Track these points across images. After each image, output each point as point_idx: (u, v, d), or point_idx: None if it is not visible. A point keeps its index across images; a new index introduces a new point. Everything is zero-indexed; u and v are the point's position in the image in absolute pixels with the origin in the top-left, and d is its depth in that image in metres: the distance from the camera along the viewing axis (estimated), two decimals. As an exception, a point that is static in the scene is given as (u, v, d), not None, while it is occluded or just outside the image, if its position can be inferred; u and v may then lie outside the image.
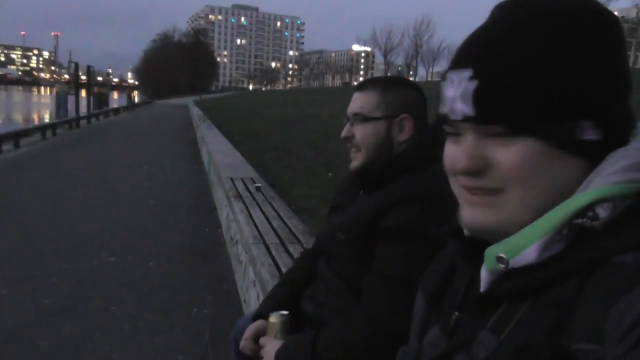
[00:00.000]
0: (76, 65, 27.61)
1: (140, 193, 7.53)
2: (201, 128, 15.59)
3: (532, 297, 0.58)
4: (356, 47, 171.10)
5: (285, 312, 1.45)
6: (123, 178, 8.75)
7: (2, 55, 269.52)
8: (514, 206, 0.61)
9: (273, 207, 4.48)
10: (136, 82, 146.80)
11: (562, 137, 0.58)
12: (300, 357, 1.31)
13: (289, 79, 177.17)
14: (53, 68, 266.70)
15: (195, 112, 27.98)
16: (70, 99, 23.73)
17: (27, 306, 3.48)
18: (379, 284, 1.27)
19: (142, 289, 3.89)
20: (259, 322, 1.53)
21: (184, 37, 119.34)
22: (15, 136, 13.02)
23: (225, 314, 3.47)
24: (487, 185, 0.62)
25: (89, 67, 30.70)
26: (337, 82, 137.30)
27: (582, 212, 0.56)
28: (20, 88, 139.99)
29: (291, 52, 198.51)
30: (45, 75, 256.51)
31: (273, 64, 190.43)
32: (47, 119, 29.02)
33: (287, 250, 3.17)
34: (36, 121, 29.01)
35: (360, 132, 1.40)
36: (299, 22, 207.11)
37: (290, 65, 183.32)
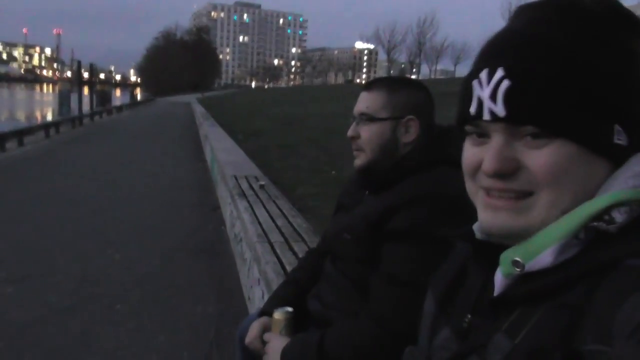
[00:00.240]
0: (79, 63, 27.68)
1: (144, 191, 7.55)
2: (204, 126, 15.60)
3: (547, 301, 0.58)
4: (359, 45, 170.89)
5: (289, 309, 1.46)
6: (127, 176, 8.77)
7: (4, 52, 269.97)
8: (541, 209, 0.60)
9: (277, 205, 4.48)
10: (139, 80, 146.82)
11: (598, 139, 0.58)
12: (307, 356, 1.32)
13: (292, 76, 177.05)
14: (55, 66, 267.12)
15: (198, 109, 27.98)
16: (73, 97, 23.79)
17: (33, 304, 3.50)
18: (387, 285, 1.27)
19: (147, 286, 3.91)
20: (264, 319, 1.54)
21: (187, 35, 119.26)
22: (19, 134, 13.06)
23: (230, 312, 3.48)
24: (516, 188, 0.61)
25: (91, 64, 30.76)
26: (340, 79, 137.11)
27: (599, 215, 0.56)
28: (22, 85, 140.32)
29: (294, 50, 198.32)
30: (48, 73, 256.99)
31: (275, 62, 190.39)
32: (50, 117, 29.06)
33: (291, 249, 3.18)
34: (39, 119, 29.07)
35: (366, 132, 1.40)
36: (301, 19, 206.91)
37: (292, 63, 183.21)
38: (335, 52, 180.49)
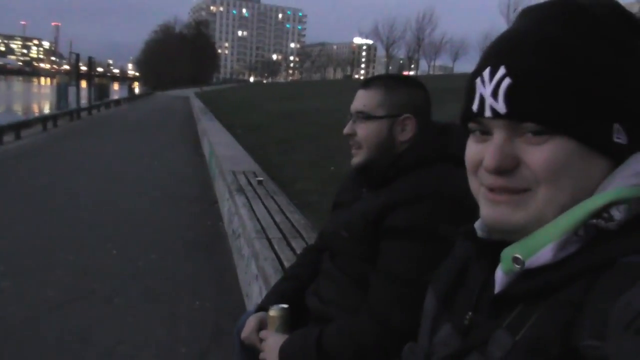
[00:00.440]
0: (77, 56, 27.59)
1: (142, 185, 7.55)
2: (202, 120, 15.58)
3: (547, 297, 0.59)
4: (358, 40, 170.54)
5: (285, 306, 1.46)
6: (125, 170, 8.76)
7: (2, 45, 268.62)
8: (540, 205, 0.61)
9: (275, 201, 4.49)
10: (137, 74, 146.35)
11: (598, 137, 0.59)
12: (305, 353, 1.32)
13: (290, 71, 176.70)
14: (53, 58, 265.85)
15: (196, 104, 27.93)
16: (71, 90, 23.69)
17: (31, 298, 3.50)
18: (386, 282, 1.28)
19: (145, 281, 3.92)
20: (261, 314, 1.54)
21: (185, 29, 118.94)
22: (16, 127, 13.03)
23: (228, 307, 3.49)
24: (516, 184, 0.63)
25: (89, 58, 30.68)
26: (339, 74, 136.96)
27: (598, 213, 0.57)
28: (20, 78, 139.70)
29: (293, 45, 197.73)
30: (46, 65, 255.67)
31: (274, 56, 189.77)
32: (47, 110, 28.98)
33: (289, 245, 3.19)
34: (37, 112, 28.99)
35: (363, 130, 1.41)
36: (300, 14, 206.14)
37: (291, 58, 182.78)
38: (334, 47, 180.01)
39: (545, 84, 0.59)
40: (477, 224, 0.74)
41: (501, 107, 0.61)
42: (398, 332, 1.19)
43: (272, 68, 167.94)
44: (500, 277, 0.66)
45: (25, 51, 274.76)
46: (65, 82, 24.72)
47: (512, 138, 0.62)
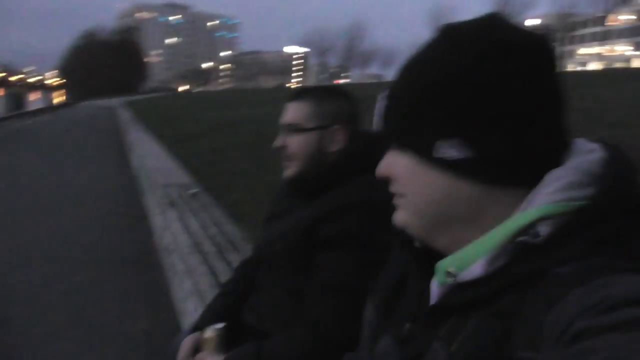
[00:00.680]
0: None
1: (65, 201, 7.14)
2: (130, 131, 15.06)
3: (480, 308, 0.61)
4: (290, 49, 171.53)
5: (220, 326, 1.42)
6: (45, 186, 8.27)
7: None
8: (409, 209, 0.71)
9: (209, 213, 4.39)
10: (59, 82, 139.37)
11: (426, 152, 0.66)
12: None
13: (223, 80, 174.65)
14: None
15: (124, 114, 26.96)
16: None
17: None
18: (322, 294, 1.28)
19: (70, 304, 3.68)
20: (196, 335, 1.49)
21: (111, 36, 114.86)
22: None
23: (162, 327, 3.35)
24: (394, 190, 0.73)
25: (5, 65, 28.81)
26: (272, 83, 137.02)
27: (524, 229, 0.59)
28: None
29: (225, 53, 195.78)
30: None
31: (206, 65, 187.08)
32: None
33: (225, 259, 3.12)
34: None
35: (294, 143, 1.41)
36: (232, 22, 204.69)
37: (224, 66, 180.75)
38: (267, 55, 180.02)
39: (394, 105, 0.69)
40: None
41: (379, 126, 0.72)
42: (336, 343, 1.19)
43: (204, 76, 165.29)
44: (435, 288, 0.68)
45: None
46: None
47: (393, 151, 0.72)
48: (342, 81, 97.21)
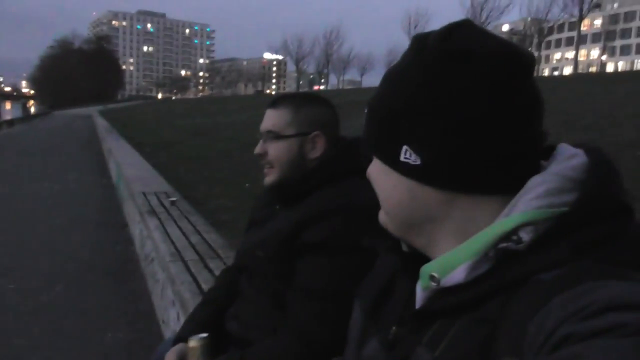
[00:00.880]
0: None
1: (42, 211, 7.01)
2: (108, 140, 14.84)
3: (464, 314, 0.61)
4: (268, 55, 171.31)
5: (204, 335, 1.40)
6: (21, 196, 8.11)
7: None
8: (384, 210, 0.73)
9: (190, 221, 4.35)
10: (32, 92, 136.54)
11: (391, 158, 0.68)
12: None
13: (201, 87, 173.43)
14: None
15: (101, 122, 26.58)
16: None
17: None
18: (304, 299, 1.28)
19: (49, 316, 3.61)
20: (180, 346, 1.47)
21: (85, 44, 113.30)
22: None
23: (143, 337, 3.31)
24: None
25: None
26: (250, 90, 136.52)
27: (507, 236, 0.60)
28: None
29: (202, 60, 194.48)
30: None
31: (183, 72, 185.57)
32: None
33: (207, 267, 3.09)
34: None
35: (273, 150, 1.41)
36: (208, 29, 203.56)
37: (201, 74, 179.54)
38: (244, 62, 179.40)
39: (368, 117, 0.71)
40: None
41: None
42: (319, 348, 1.19)
43: (181, 84, 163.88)
44: (419, 292, 0.68)
45: None
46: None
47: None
48: (320, 87, 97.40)
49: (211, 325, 1.48)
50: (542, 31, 70.01)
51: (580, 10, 59.57)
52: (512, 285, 0.57)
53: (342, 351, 0.93)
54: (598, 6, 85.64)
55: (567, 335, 0.46)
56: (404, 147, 0.65)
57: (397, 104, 0.66)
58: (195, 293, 2.64)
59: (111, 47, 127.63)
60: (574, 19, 64.66)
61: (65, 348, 3.16)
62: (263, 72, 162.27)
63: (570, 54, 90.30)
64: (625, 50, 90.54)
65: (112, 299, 3.97)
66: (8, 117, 34.53)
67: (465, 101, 0.62)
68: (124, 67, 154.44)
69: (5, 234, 5.75)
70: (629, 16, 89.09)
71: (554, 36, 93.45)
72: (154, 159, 9.90)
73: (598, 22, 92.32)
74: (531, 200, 0.60)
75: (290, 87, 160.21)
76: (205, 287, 2.68)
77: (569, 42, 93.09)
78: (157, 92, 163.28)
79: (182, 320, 2.26)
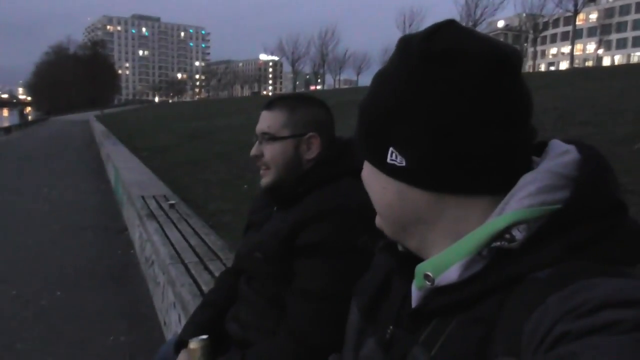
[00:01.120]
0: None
1: (41, 217, 7.01)
2: (105, 144, 14.83)
3: (459, 313, 0.61)
4: (264, 57, 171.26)
5: (204, 337, 1.41)
6: (20, 202, 8.11)
7: None
8: (378, 212, 0.74)
9: (189, 224, 4.36)
10: (28, 98, 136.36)
11: (378, 160, 0.68)
12: None
13: (197, 90, 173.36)
14: None
15: (98, 127, 26.55)
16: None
17: None
18: (302, 301, 1.28)
19: (51, 321, 3.63)
20: (185, 352, 1.49)
21: (81, 49, 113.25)
22: None
23: (144, 339, 3.32)
24: None
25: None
26: (246, 92, 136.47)
27: (499, 234, 0.60)
28: None
29: (197, 63, 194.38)
30: None
31: (179, 75, 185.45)
32: None
33: (207, 268, 3.10)
34: None
35: (269, 151, 1.41)
36: (203, 32, 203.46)
37: (197, 76, 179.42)
38: (240, 64, 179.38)
39: (359, 115, 0.72)
40: None
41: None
42: (318, 350, 1.20)
43: (178, 87, 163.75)
44: (415, 292, 0.68)
45: None
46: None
47: None
48: (317, 87, 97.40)
49: (211, 327, 1.49)
50: (537, 26, 70.03)
51: (575, 4, 59.63)
52: (506, 284, 0.57)
53: (339, 352, 0.93)
54: (593, 0, 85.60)
55: (563, 334, 0.46)
56: (390, 149, 0.66)
57: (383, 106, 0.66)
58: (196, 295, 2.66)
59: (106, 52, 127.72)
60: (569, 14, 64.64)
61: (68, 352, 3.17)
62: (259, 73, 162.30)
63: (566, 49, 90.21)
64: (621, 44, 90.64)
65: (113, 302, 3.98)
66: (5, 124, 34.44)
67: (447, 102, 0.62)
68: (119, 71, 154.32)
69: (6, 241, 5.76)
70: (625, 9, 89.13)
71: (550, 31, 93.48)
72: (151, 163, 9.90)
73: (593, 16, 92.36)
74: (523, 199, 0.60)
75: (286, 87, 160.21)
76: (206, 288, 2.69)
77: (565, 36, 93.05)
78: (154, 96, 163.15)
79: (184, 321, 2.27)
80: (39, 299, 4.02)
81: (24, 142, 22.63)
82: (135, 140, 16.29)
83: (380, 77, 0.69)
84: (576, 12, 61.17)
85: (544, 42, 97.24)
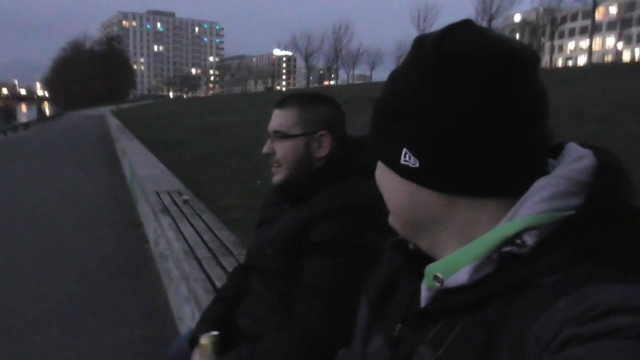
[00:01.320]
0: (-23, 77, 25.63)
1: (58, 212, 7.13)
2: (121, 140, 14.99)
3: (466, 315, 0.62)
4: (277, 52, 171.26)
5: (215, 333, 1.43)
6: (38, 197, 8.24)
7: None
8: (390, 212, 0.74)
9: (202, 219, 4.41)
10: (46, 94, 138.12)
11: (391, 161, 0.68)
12: None
13: (211, 85, 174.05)
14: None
15: (113, 122, 26.84)
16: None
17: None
18: (310, 298, 1.30)
19: (68, 314, 3.70)
20: (198, 351, 1.51)
21: (97, 45, 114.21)
22: None
23: (159, 333, 3.37)
24: None
25: (-9, 79, 28.63)
26: (260, 87, 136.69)
27: (510, 239, 0.60)
28: None
29: (211, 58, 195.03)
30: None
31: (193, 71, 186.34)
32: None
33: (219, 264, 3.15)
34: None
35: (281, 149, 1.43)
36: (217, 27, 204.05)
37: (211, 72, 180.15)
38: (254, 59, 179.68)
39: (373, 115, 0.72)
40: None
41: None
42: (323, 346, 1.21)
43: (192, 82, 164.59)
44: (424, 291, 0.69)
45: None
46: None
47: None
48: (330, 83, 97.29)
49: (223, 323, 1.52)
50: (554, 20, 68.99)
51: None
52: (514, 289, 0.58)
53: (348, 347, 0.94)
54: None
55: (569, 338, 0.46)
56: (404, 150, 0.66)
57: (396, 106, 0.67)
58: (209, 290, 2.70)
59: (122, 47, 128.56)
60: (588, 7, 63.53)
61: (83, 345, 3.23)
62: (273, 68, 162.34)
63: (584, 43, 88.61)
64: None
65: (128, 297, 4.04)
66: (24, 119, 34.96)
67: (460, 104, 0.61)
68: (135, 66, 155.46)
69: (22, 235, 5.87)
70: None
71: (568, 25, 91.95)
72: (165, 158, 9.99)
73: (613, 10, 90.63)
74: (535, 204, 0.60)
75: (300, 83, 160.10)
76: (219, 283, 2.73)
77: (583, 31, 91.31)
78: (168, 91, 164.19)
79: (197, 316, 2.31)
80: (56, 292, 4.09)
81: (41, 137, 22.96)
82: (150, 135, 16.43)
83: (395, 78, 0.69)
84: (595, 5, 60.11)
85: (561, 37, 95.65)
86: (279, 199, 1.52)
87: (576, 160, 0.63)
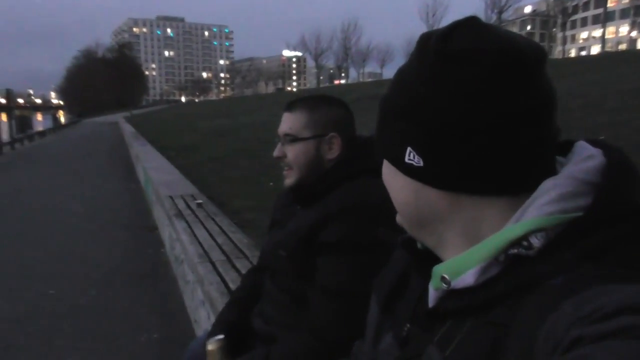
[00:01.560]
0: (-7, 88, 26.05)
1: (74, 218, 7.23)
2: (134, 145, 15.13)
3: (473, 316, 0.61)
4: (287, 53, 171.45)
5: (221, 337, 1.45)
6: (55, 204, 8.37)
7: None
8: (397, 210, 0.74)
9: (216, 222, 4.44)
10: (61, 102, 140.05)
11: (396, 159, 0.69)
12: None
13: (222, 88, 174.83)
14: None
15: (127, 128, 27.08)
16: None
17: (-40, 352, 3.28)
18: (323, 298, 1.31)
19: (85, 318, 3.76)
20: None
21: (108, 52, 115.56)
22: None
23: (175, 336, 3.42)
24: None
25: (7, 89, 29.13)
26: (271, 88, 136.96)
27: (517, 241, 0.59)
28: None
29: (222, 61, 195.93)
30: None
31: (204, 74, 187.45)
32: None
33: (234, 266, 3.17)
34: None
35: (291, 152, 1.44)
36: (227, 30, 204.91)
37: (222, 75, 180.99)
38: (264, 61, 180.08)
39: (378, 114, 0.72)
40: None
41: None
42: (336, 346, 1.22)
43: (203, 86, 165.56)
44: (431, 291, 0.69)
45: None
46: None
47: None
48: (341, 81, 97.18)
49: (238, 325, 1.54)
50: (566, 10, 68.09)
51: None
52: (522, 290, 0.57)
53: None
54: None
55: (577, 338, 0.46)
56: (408, 149, 0.66)
57: (401, 104, 0.67)
58: (224, 293, 2.72)
59: (133, 53, 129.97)
60: (599, -4, 62.56)
61: (102, 348, 3.29)
62: (283, 69, 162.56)
63: (597, 32, 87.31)
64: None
65: (145, 300, 4.10)
66: (40, 128, 35.42)
67: (464, 103, 0.61)
68: (146, 72, 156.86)
69: (41, 242, 5.97)
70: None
71: (580, 15, 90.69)
72: (178, 162, 10.08)
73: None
74: (543, 206, 0.59)
75: (310, 83, 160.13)
76: (233, 286, 2.75)
77: (596, 19, 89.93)
78: (180, 96, 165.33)
79: (212, 318, 2.34)
80: (75, 297, 4.16)
81: (58, 144, 23.28)
82: (163, 139, 16.57)
83: (400, 76, 0.69)
84: (607, -6, 59.12)
85: (573, 27, 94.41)
86: (290, 201, 1.54)
87: (585, 160, 0.62)
